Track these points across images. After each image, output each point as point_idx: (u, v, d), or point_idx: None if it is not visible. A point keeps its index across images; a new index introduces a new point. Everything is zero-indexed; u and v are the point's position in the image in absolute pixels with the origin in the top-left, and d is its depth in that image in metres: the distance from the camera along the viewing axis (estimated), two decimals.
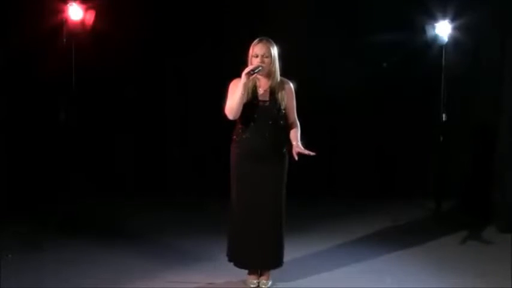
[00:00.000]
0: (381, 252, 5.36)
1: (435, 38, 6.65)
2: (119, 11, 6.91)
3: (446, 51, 6.66)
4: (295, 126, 4.43)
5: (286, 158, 4.40)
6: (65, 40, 6.54)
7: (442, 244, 5.72)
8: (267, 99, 4.33)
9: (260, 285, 4.44)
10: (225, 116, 4.30)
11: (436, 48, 6.71)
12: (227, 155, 4.43)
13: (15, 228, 5.83)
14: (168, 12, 7.33)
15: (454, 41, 6.65)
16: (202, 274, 4.72)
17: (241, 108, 4.24)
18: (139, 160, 7.67)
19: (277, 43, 4.36)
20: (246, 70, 4.19)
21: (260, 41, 4.32)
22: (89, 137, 7.23)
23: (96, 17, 6.54)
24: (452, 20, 6.57)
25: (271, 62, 4.30)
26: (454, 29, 6.60)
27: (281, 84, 4.37)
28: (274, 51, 4.32)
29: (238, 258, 4.45)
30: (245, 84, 4.19)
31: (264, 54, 4.28)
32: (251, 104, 4.29)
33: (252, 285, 4.44)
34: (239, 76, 4.23)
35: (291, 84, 4.43)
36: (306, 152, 4.25)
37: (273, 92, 4.34)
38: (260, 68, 4.23)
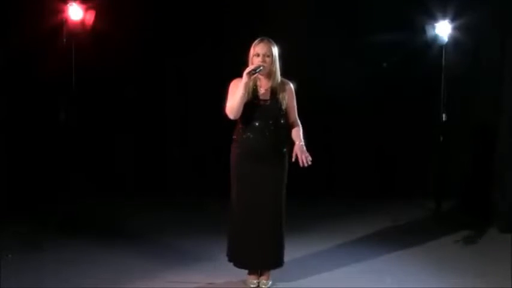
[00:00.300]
0: (381, 252, 5.36)
1: (435, 38, 6.65)
2: (119, 11, 6.91)
3: (446, 51, 6.66)
4: (297, 125, 4.43)
5: (286, 158, 4.40)
6: (65, 40, 6.54)
7: (442, 244, 5.72)
8: (268, 98, 4.34)
9: (260, 285, 4.44)
10: (225, 115, 4.30)
11: (436, 48, 6.71)
12: (227, 154, 4.43)
13: (15, 228, 5.83)
14: (168, 12, 7.34)
15: (454, 41, 6.65)
16: (202, 274, 4.72)
17: (242, 107, 4.24)
18: (139, 160, 7.67)
19: (277, 43, 4.36)
20: (247, 70, 4.19)
21: (261, 40, 4.32)
22: (89, 137, 7.23)
23: (96, 17, 6.54)
24: (452, 20, 6.57)
25: (272, 62, 4.30)
26: (454, 29, 6.60)
27: (282, 85, 4.38)
28: (275, 51, 4.33)
29: (238, 258, 4.45)
30: (246, 84, 4.19)
31: (265, 53, 4.28)
32: (252, 103, 4.29)
33: (252, 285, 4.44)
34: (239, 76, 4.23)
35: (291, 85, 4.43)
36: (304, 157, 4.20)
37: (273, 91, 4.35)
38: (261, 67, 4.23)
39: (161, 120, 7.71)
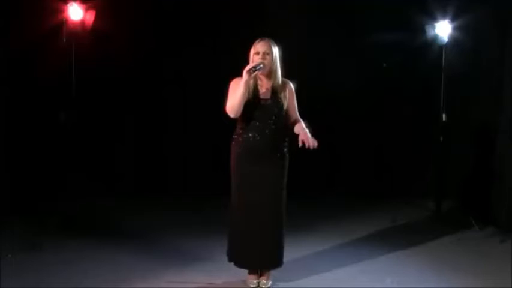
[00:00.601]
0: (381, 252, 5.36)
1: (435, 38, 6.65)
2: (119, 11, 6.91)
3: (446, 51, 6.66)
4: (299, 121, 4.42)
5: (286, 157, 4.41)
6: (65, 40, 6.53)
7: (442, 244, 5.72)
8: (269, 98, 4.34)
9: (260, 285, 4.44)
10: (226, 114, 4.30)
11: (436, 48, 6.71)
12: (227, 154, 4.43)
13: (15, 228, 5.83)
14: (168, 12, 7.34)
15: (454, 41, 6.64)
16: (202, 274, 4.73)
17: (242, 106, 4.24)
18: (139, 160, 7.67)
19: (277, 43, 4.37)
20: (247, 67, 4.20)
21: (262, 39, 4.34)
22: (89, 136, 7.23)
23: (96, 17, 6.53)
24: (452, 20, 6.57)
25: (272, 60, 4.31)
26: (454, 29, 6.59)
27: (282, 84, 4.38)
28: (275, 50, 4.34)
29: (238, 258, 4.45)
30: (246, 82, 4.19)
31: (265, 51, 4.29)
32: (252, 103, 4.30)
33: (252, 285, 4.44)
34: (240, 76, 4.23)
35: (292, 85, 4.44)
36: (310, 141, 4.19)
37: (274, 91, 4.35)
38: (261, 65, 4.23)
39: (161, 120, 7.71)
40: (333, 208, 6.99)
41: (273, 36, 4.39)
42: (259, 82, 4.36)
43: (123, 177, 7.56)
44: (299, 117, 4.45)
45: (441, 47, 6.67)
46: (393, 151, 7.69)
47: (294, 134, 4.39)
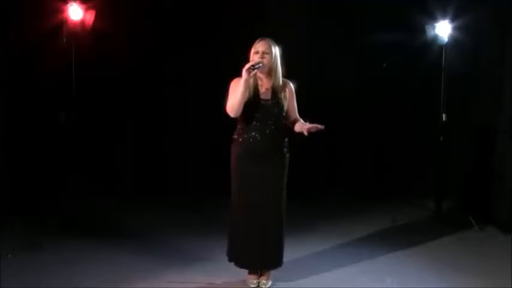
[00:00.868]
0: (381, 252, 5.36)
1: (435, 38, 6.65)
2: (119, 11, 6.91)
3: (446, 51, 6.66)
4: (298, 121, 4.42)
5: (286, 158, 4.41)
6: (65, 40, 6.53)
7: (442, 244, 5.72)
8: (269, 98, 4.34)
9: (260, 285, 4.44)
10: (226, 114, 4.30)
11: (436, 48, 6.71)
12: (227, 154, 4.42)
13: (15, 228, 5.83)
14: (168, 12, 7.34)
15: (454, 41, 6.64)
16: (202, 274, 4.72)
17: (242, 105, 4.24)
18: (139, 160, 7.67)
19: (277, 43, 4.37)
20: (246, 66, 4.19)
21: (262, 39, 4.35)
22: (89, 136, 7.23)
23: (96, 17, 6.53)
24: (452, 20, 6.57)
25: (272, 59, 4.30)
26: (454, 29, 6.59)
27: (283, 85, 4.38)
28: (276, 50, 4.34)
29: (239, 258, 4.45)
30: (246, 81, 4.19)
31: (264, 50, 4.29)
32: (252, 102, 4.30)
33: (252, 285, 4.44)
34: (240, 76, 4.23)
35: (292, 85, 4.44)
36: (315, 126, 4.19)
37: (274, 91, 4.35)
38: (260, 64, 4.23)
39: (161, 120, 7.71)
40: (333, 208, 6.99)
41: (273, 36, 4.39)
42: (259, 82, 4.36)
43: (123, 177, 7.56)
44: (299, 118, 4.45)
45: (441, 47, 6.67)
46: (393, 151, 7.69)
47: (294, 133, 4.39)
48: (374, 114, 7.53)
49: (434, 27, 6.61)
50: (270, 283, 4.46)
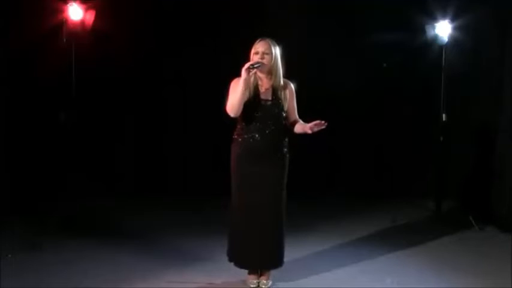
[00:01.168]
0: (381, 252, 5.36)
1: (435, 38, 6.65)
2: (119, 11, 6.91)
3: (446, 51, 6.66)
4: (298, 122, 4.42)
5: (286, 158, 4.41)
6: (65, 40, 6.53)
7: (442, 244, 5.72)
8: (269, 98, 4.34)
9: (260, 285, 4.43)
10: (226, 114, 4.30)
11: (436, 48, 6.71)
12: (227, 154, 4.42)
13: (15, 228, 5.83)
14: (168, 12, 7.34)
15: (454, 41, 6.64)
16: (202, 274, 4.72)
17: (242, 105, 4.24)
18: (139, 160, 7.67)
19: (277, 43, 4.36)
20: (246, 66, 4.19)
21: (262, 39, 4.34)
22: (89, 136, 7.23)
23: (96, 17, 6.53)
24: (452, 20, 6.57)
25: (272, 60, 4.30)
26: (454, 29, 6.59)
27: (283, 85, 4.38)
28: (276, 50, 4.33)
29: (239, 258, 4.44)
30: (245, 80, 4.19)
31: (264, 51, 4.29)
32: (253, 102, 4.29)
33: (252, 285, 4.44)
34: (239, 75, 4.23)
35: (292, 85, 4.44)
36: (318, 124, 4.20)
37: (275, 91, 4.35)
38: (259, 64, 4.23)
39: (161, 120, 7.71)
40: (333, 208, 6.99)
41: (273, 36, 4.39)
42: (259, 82, 4.36)
43: (123, 177, 7.56)
44: (298, 118, 4.45)
45: (441, 47, 6.67)
46: (393, 151, 7.69)
47: (295, 134, 4.39)
48: (374, 114, 7.53)
49: (434, 27, 6.61)
50: (270, 283, 4.46)
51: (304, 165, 7.32)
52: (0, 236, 5.50)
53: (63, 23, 6.52)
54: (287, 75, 4.44)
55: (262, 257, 4.39)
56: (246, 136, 4.33)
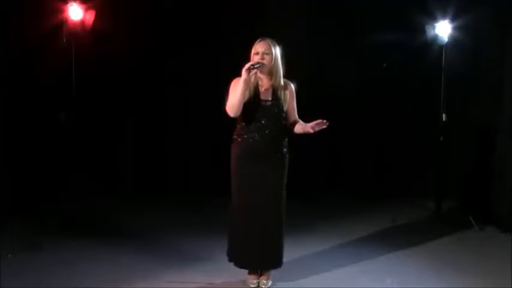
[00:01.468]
0: (381, 252, 5.36)
1: (435, 38, 6.65)
2: (119, 11, 6.91)
3: (446, 51, 6.66)
4: (298, 122, 4.42)
5: (286, 158, 4.40)
6: (65, 40, 6.53)
7: (442, 244, 5.72)
8: (269, 98, 4.34)
9: (260, 285, 4.43)
10: (226, 114, 4.30)
11: (436, 48, 6.71)
12: (227, 154, 4.42)
13: (15, 228, 5.83)
14: (168, 13, 7.34)
15: (454, 41, 6.64)
16: (202, 274, 4.72)
17: (242, 105, 4.24)
18: (139, 160, 7.67)
19: (277, 43, 4.36)
20: (246, 66, 4.19)
21: (262, 39, 4.34)
22: (89, 136, 7.23)
23: (96, 17, 6.53)
24: (452, 20, 6.57)
25: (272, 60, 4.30)
26: (454, 29, 6.59)
27: (283, 85, 4.38)
28: (276, 50, 4.33)
29: (239, 258, 4.44)
30: (245, 81, 4.19)
31: (264, 51, 4.29)
32: (252, 103, 4.29)
33: (252, 285, 4.44)
34: (240, 75, 4.23)
35: (293, 86, 4.44)
36: (318, 123, 4.20)
37: (275, 91, 4.35)
38: (259, 64, 4.23)
39: (161, 120, 7.71)
40: (333, 208, 6.99)
41: (273, 36, 4.39)
42: (259, 82, 4.35)
43: (123, 177, 7.56)
44: (298, 119, 4.45)
45: (441, 47, 6.67)
46: (393, 151, 7.69)
47: (294, 134, 4.39)
48: (374, 114, 7.53)
49: (434, 27, 6.61)
50: (270, 283, 4.45)
51: (304, 165, 7.33)
52: (0, 236, 5.50)
53: (63, 23, 6.51)
54: (287, 75, 4.44)
55: (262, 257, 4.39)
56: (245, 136, 4.33)
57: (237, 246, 4.42)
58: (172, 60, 7.52)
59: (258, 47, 4.31)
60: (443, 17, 6.59)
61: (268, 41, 4.33)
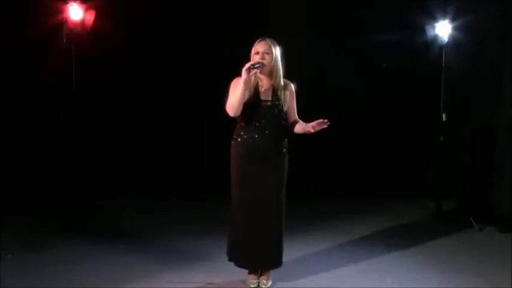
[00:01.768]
0: (381, 252, 5.36)
1: (435, 38, 6.65)
2: (119, 11, 6.91)
3: (446, 51, 6.66)
4: (298, 122, 4.42)
5: (286, 158, 4.41)
6: (65, 40, 6.53)
7: (442, 244, 5.72)
8: (269, 98, 4.34)
9: (260, 285, 4.44)
10: (226, 113, 4.30)
11: (436, 48, 6.70)
12: (227, 154, 4.42)
13: (15, 228, 5.83)
14: (168, 13, 7.34)
15: (454, 41, 6.64)
16: (202, 274, 4.72)
17: (242, 104, 4.23)
18: (139, 160, 7.67)
19: (277, 43, 4.36)
20: (246, 66, 4.19)
21: (262, 39, 4.34)
22: (89, 136, 7.23)
23: (96, 17, 6.53)
24: (452, 20, 6.57)
25: (272, 60, 4.30)
26: (454, 29, 6.59)
27: (283, 85, 4.37)
28: (276, 50, 4.33)
29: (239, 258, 4.45)
30: (245, 80, 4.18)
31: (264, 51, 4.29)
32: (252, 103, 4.29)
33: (252, 285, 4.44)
34: (240, 75, 4.22)
35: (293, 86, 4.44)
36: (320, 123, 4.19)
37: (275, 91, 4.35)
38: (260, 64, 4.23)
39: (161, 120, 7.71)
40: (333, 208, 6.99)
41: (273, 36, 4.39)
42: (259, 82, 4.35)
43: (123, 177, 7.56)
44: (298, 119, 4.45)
45: (441, 47, 6.67)
46: (393, 151, 7.69)
47: (294, 134, 4.39)
48: (374, 114, 7.53)
49: (434, 27, 6.60)
50: (270, 283, 4.46)
51: (304, 165, 7.34)
52: (0, 236, 5.50)
53: (63, 23, 6.51)
54: (287, 75, 4.44)
55: (262, 257, 4.39)
56: (245, 136, 4.33)
57: (237, 246, 4.42)
58: (172, 60, 7.52)
59: (258, 47, 4.31)
60: (443, 17, 6.59)
61: (269, 40, 4.33)
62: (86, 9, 6.52)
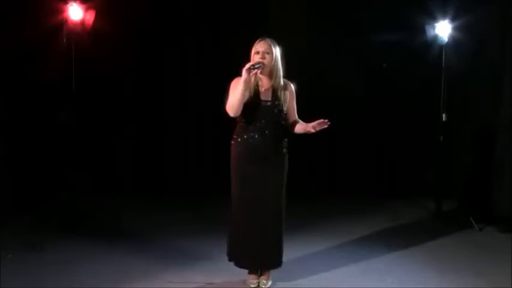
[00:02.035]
0: (381, 252, 5.36)
1: (435, 38, 6.65)
2: (119, 11, 6.91)
3: (446, 51, 6.66)
4: (298, 122, 4.42)
5: (286, 158, 4.41)
6: (65, 40, 6.53)
7: (442, 244, 5.72)
8: (269, 99, 4.34)
9: (260, 285, 4.44)
10: (226, 113, 4.30)
11: (436, 48, 6.71)
12: (227, 154, 4.42)
13: (15, 228, 5.83)
14: (168, 13, 7.34)
15: (454, 41, 6.64)
16: (202, 274, 4.72)
17: (242, 105, 4.23)
18: (139, 160, 7.67)
19: (277, 43, 4.36)
20: (246, 66, 4.19)
21: (262, 39, 4.34)
22: (89, 136, 7.23)
23: (96, 17, 6.53)
24: (452, 20, 6.57)
25: (273, 60, 4.30)
26: (454, 29, 6.59)
27: (283, 85, 4.37)
28: (276, 50, 4.33)
29: (239, 258, 4.45)
30: (246, 80, 4.18)
31: (264, 50, 4.28)
32: (252, 103, 4.29)
33: (252, 285, 4.44)
34: (240, 75, 4.23)
35: (293, 86, 4.44)
36: (320, 123, 4.19)
37: (275, 91, 4.35)
38: (260, 64, 4.23)
39: (161, 120, 7.71)
40: (333, 208, 6.99)
41: (273, 36, 4.39)
42: (259, 82, 4.35)
43: (123, 177, 7.56)
44: (298, 119, 4.45)
45: (441, 47, 6.67)
46: (393, 151, 7.69)
47: (295, 134, 4.39)
48: (374, 114, 7.53)
49: (434, 27, 6.60)
50: (270, 283, 4.46)
51: (304, 165, 7.34)
52: (0, 236, 5.50)
53: (63, 23, 6.51)
54: (287, 75, 4.44)
55: (262, 257, 4.39)
56: (245, 136, 4.33)
57: (237, 246, 4.42)
58: (173, 60, 7.52)
59: (259, 47, 4.31)
60: (443, 17, 6.59)
61: (269, 40, 4.33)
62: (86, 9, 6.52)
